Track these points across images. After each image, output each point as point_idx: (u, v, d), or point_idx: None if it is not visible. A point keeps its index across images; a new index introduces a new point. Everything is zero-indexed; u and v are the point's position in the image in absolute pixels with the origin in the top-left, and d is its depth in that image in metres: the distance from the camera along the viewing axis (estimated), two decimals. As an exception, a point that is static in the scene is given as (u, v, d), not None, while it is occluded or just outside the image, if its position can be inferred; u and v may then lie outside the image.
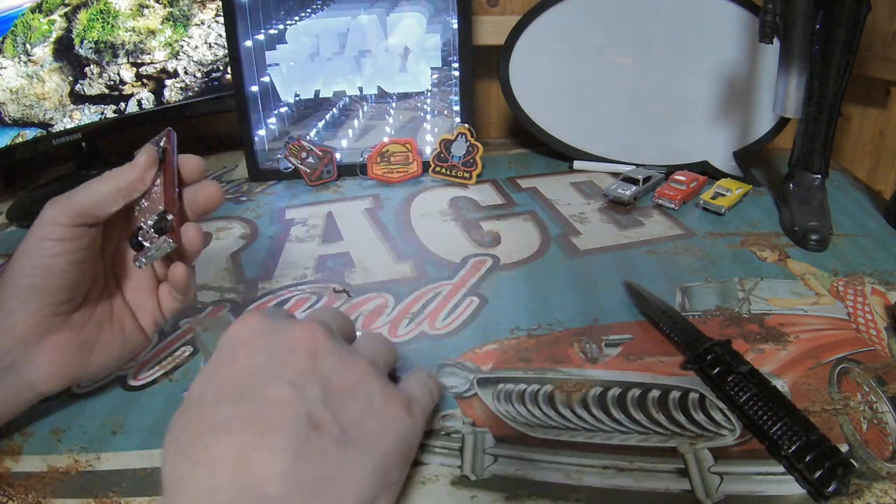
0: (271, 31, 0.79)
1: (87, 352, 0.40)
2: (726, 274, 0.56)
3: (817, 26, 0.58)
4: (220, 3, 0.77)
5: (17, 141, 0.75)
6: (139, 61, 0.80)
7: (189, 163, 0.42)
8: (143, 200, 0.40)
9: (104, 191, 0.38)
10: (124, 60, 0.79)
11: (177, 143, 0.42)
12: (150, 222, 0.38)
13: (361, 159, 0.80)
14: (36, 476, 0.38)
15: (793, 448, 0.36)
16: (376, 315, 0.52)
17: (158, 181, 0.40)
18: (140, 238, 0.38)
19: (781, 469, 0.36)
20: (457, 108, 0.81)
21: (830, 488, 0.34)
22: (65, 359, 0.39)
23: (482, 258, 0.61)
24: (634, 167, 0.76)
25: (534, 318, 0.51)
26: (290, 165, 0.79)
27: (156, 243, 0.38)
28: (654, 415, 0.41)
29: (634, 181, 0.72)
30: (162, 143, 0.42)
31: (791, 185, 0.66)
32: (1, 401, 0.38)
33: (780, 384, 0.43)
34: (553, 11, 0.77)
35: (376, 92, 0.81)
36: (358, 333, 0.40)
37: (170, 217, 0.39)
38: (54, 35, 0.74)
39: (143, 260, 0.38)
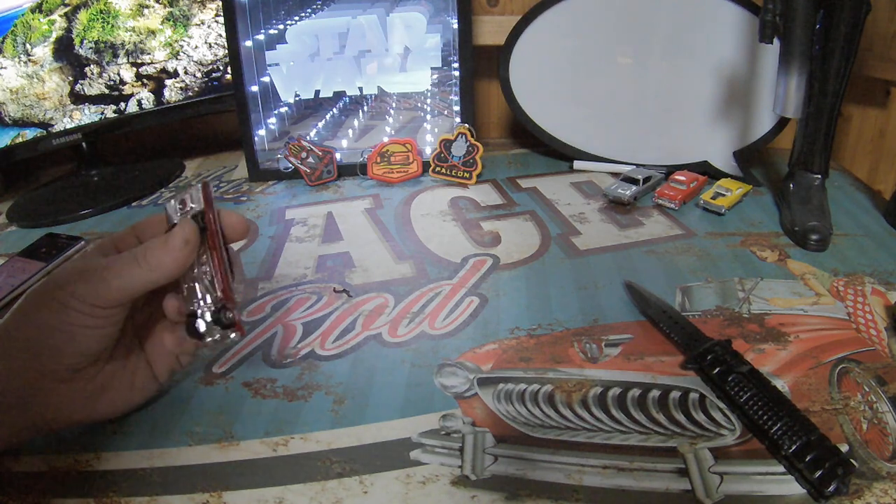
0: (271, 31, 0.79)
1: (95, 400, 0.39)
2: (726, 274, 0.56)
3: (817, 26, 0.58)
4: (220, 3, 0.77)
5: (17, 141, 0.75)
6: (139, 61, 0.80)
7: (230, 218, 0.40)
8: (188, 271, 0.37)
9: (135, 280, 0.36)
10: (124, 60, 0.79)
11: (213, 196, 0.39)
12: (208, 313, 0.36)
13: (361, 159, 0.80)
14: (36, 476, 0.38)
15: (793, 448, 0.36)
16: (376, 315, 0.52)
17: (202, 250, 0.37)
18: (197, 327, 0.36)
19: (781, 469, 0.36)
20: (457, 108, 0.81)
21: (830, 488, 0.34)
22: (73, 405, 0.38)
23: (482, 258, 0.61)
24: (634, 167, 0.76)
25: (534, 318, 0.51)
26: (290, 165, 0.79)
27: (221, 336, 0.36)
28: (654, 415, 0.41)
29: (634, 181, 0.72)
30: (198, 207, 0.38)
31: (791, 185, 0.66)
32: (3, 433, 0.37)
33: (781, 384, 0.43)
34: (553, 11, 0.77)
35: (376, 92, 0.81)
36: None
37: (230, 311, 0.36)
38: (54, 35, 0.74)
39: (207, 352, 0.37)
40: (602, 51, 0.78)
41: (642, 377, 0.44)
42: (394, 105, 0.86)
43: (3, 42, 0.71)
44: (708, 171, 0.75)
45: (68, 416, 0.38)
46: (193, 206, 0.38)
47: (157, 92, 0.83)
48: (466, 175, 0.78)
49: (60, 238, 0.67)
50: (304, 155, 0.79)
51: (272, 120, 0.83)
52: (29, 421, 0.37)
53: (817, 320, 0.50)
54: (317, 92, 0.80)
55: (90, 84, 0.78)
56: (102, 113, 0.80)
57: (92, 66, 0.78)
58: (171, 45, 0.81)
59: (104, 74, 0.79)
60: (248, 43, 0.77)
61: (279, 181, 0.81)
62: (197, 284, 0.37)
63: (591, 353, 0.47)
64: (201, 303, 0.37)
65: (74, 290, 0.35)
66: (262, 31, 0.78)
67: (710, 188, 0.70)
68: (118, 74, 0.80)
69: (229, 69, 0.79)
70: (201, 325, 0.36)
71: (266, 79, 0.79)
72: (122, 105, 0.81)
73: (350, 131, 0.85)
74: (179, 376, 0.46)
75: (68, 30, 0.75)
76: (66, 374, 0.37)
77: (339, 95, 0.82)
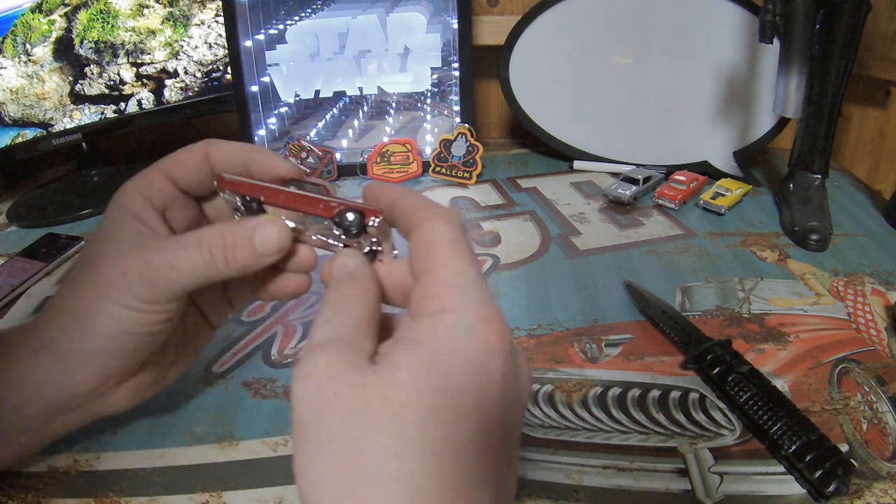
0: (271, 31, 0.79)
1: (163, 377, 0.37)
2: (726, 274, 0.56)
3: (817, 26, 0.58)
4: (220, 3, 0.77)
5: (17, 141, 0.75)
6: (139, 61, 0.80)
7: (273, 165, 0.33)
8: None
9: (208, 276, 0.31)
10: (124, 60, 0.79)
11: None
12: (345, 236, 0.29)
13: (361, 159, 0.80)
14: (36, 476, 0.38)
15: (793, 448, 0.36)
16: (376, 315, 0.52)
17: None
18: (374, 250, 0.30)
19: (781, 469, 0.36)
20: (457, 108, 0.81)
21: (830, 488, 0.34)
22: (140, 392, 0.36)
23: (482, 258, 0.60)
24: (634, 167, 0.76)
25: (534, 318, 0.51)
26: (290, 165, 0.79)
27: (367, 236, 0.29)
28: (654, 415, 0.41)
29: (634, 181, 0.72)
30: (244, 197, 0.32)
31: (791, 185, 0.66)
32: (59, 429, 0.35)
33: (780, 384, 0.43)
34: (553, 11, 0.77)
35: (376, 92, 0.81)
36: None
37: (345, 214, 0.29)
38: (54, 35, 0.74)
39: (395, 252, 0.30)
40: (602, 51, 0.78)
41: (642, 377, 0.44)
42: (394, 105, 0.86)
43: (3, 42, 0.71)
44: (708, 171, 0.75)
45: (132, 402, 0.36)
46: (238, 198, 0.32)
47: (157, 92, 0.83)
48: (466, 175, 0.78)
49: (60, 238, 0.67)
50: (304, 155, 0.79)
51: (272, 120, 0.83)
52: (88, 415, 0.35)
53: (817, 320, 0.50)
54: (317, 92, 0.80)
55: (90, 84, 0.78)
56: (102, 113, 0.80)
57: (92, 66, 0.78)
58: (171, 45, 0.81)
59: (104, 74, 0.79)
60: (248, 43, 0.77)
61: (279, 181, 0.81)
62: (324, 237, 0.31)
63: (591, 353, 0.47)
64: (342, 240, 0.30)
65: (135, 291, 0.30)
66: (262, 31, 0.78)
67: (710, 188, 0.70)
68: (118, 74, 0.80)
69: (229, 69, 0.79)
70: (364, 246, 0.29)
71: (266, 79, 0.79)
72: (122, 105, 0.81)
73: (350, 131, 0.85)
74: (180, 376, 0.46)
75: (68, 30, 0.75)
76: (133, 369, 0.34)
77: (339, 95, 0.82)
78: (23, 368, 0.32)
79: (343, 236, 0.29)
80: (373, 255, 0.30)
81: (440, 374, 0.22)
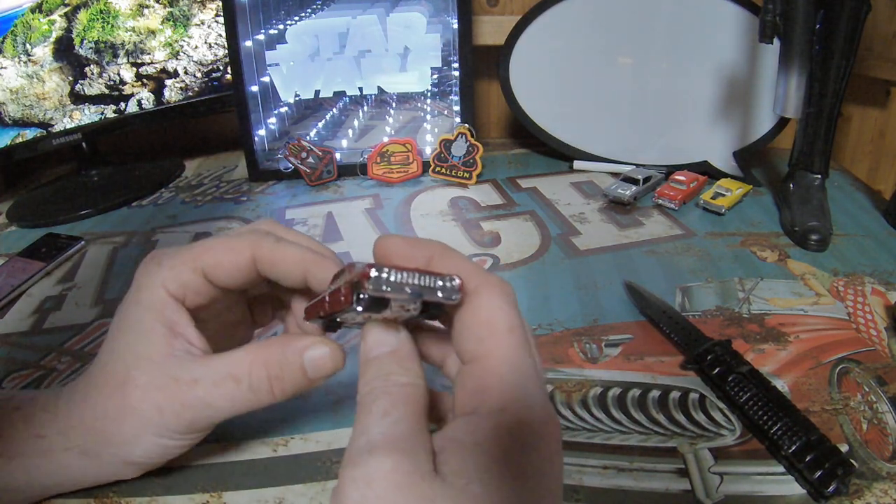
0: (271, 31, 0.79)
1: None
2: (726, 274, 0.56)
3: (817, 26, 0.58)
4: (220, 3, 0.77)
5: (17, 141, 0.75)
6: (139, 61, 0.80)
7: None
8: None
9: (251, 407, 0.29)
10: (124, 60, 0.79)
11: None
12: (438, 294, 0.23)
13: (361, 159, 0.80)
14: (36, 476, 0.38)
15: (793, 448, 0.36)
16: (376, 315, 0.52)
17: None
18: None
19: (781, 469, 0.36)
20: (457, 108, 0.81)
21: (830, 488, 0.34)
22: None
23: (482, 258, 0.60)
24: (634, 167, 0.76)
25: (534, 318, 0.51)
26: (290, 165, 0.79)
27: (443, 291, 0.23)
28: (654, 415, 0.41)
29: (634, 181, 0.72)
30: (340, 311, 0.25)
31: (791, 185, 0.66)
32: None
33: (780, 384, 0.43)
34: (553, 11, 0.77)
35: (376, 92, 0.81)
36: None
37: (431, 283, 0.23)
38: (54, 35, 0.74)
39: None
40: (602, 51, 0.78)
41: (642, 377, 0.44)
42: (394, 105, 0.86)
43: (3, 42, 0.71)
44: (708, 171, 0.75)
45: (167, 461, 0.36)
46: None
47: (157, 92, 0.83)
48: (466, 175, 0.78)
49: (60, 238, 0.67)
50: (304, 155, 0.79)
51: (272, 120, 0.83)
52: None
53: (817, 320, 0.50)
54: (317, 92, 0.80)
55: (90, 84, 0.78)
56: (102, 113, 0.80)
57: (92, 66, 0.78)
58: (171, 45, 0.81)
59: (104, 74, 0.79)
60: (248, 43, 0.77)
61: (279, 181, 0.81)
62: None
63: (591, 354, 0.47)
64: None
65: (171, 426, 0.30)
66: (262, 31, 0.78)
67: (710, 188, 0.70)
68: (118, 74, 0.80)
69: (229, 69, 0.79)
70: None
71: (266, 79, 0.79)
72: (122, 105, 0.81)
73: (350, 131, 0.85)
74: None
75: (68, 30, 0.75)
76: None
77: (339, 95, 0.82)
78: (57, 462, 0.32)
79: (375, 312, 0.23)
80: (438, 311, 0.24)
81: (511, 487, 0.21)
